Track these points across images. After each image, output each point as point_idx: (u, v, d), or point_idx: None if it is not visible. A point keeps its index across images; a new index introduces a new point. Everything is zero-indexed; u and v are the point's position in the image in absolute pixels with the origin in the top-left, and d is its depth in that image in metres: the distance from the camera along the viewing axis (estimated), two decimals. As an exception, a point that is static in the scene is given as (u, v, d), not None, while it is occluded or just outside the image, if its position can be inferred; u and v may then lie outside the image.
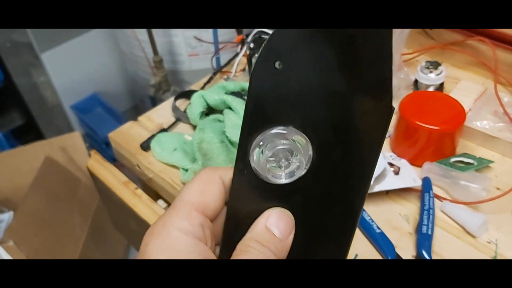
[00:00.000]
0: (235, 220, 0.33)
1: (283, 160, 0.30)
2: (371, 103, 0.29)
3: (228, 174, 0.34)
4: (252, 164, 0.31)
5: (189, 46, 1.60)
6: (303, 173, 0.31)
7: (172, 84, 1.64)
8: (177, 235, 0.30)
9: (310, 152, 0.30)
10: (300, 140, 0.30)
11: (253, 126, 0.30)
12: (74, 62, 1.89)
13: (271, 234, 0.31)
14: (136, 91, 2.00)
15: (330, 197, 0.32)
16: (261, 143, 0.30)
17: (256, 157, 0.30)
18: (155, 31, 1.48)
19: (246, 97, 0.31)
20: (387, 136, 0.74)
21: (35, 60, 1.77)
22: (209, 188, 0.33)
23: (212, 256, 0.31)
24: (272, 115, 0.30)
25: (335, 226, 0.34)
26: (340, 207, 0.33)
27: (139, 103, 2.04)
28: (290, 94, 0.29)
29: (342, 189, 0.32)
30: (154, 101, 1.61)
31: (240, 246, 0.31)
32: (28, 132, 1.84)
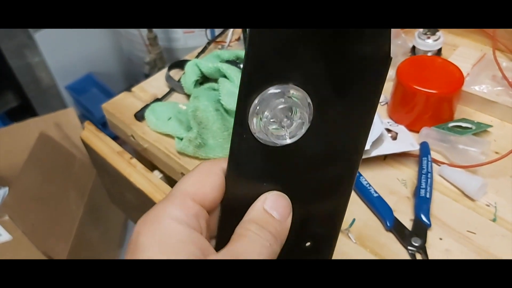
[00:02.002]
0: (234, 197, 0.32)
1: (284, 119, 0.29)
2: (370, 51, 0.28)
3: None
4: (252, 130, 0.28)
5: (184, 22, 1.58)
6: (307, 129, 0.29)
7: (167, 62, 1.62)
8: (170, 224, 0.28)
9: (311, 106, 0.29)
10: (298, 95, 0.28)
11: (252, 85, 0.28)
12: (68, 41, 1.87)
13: (270, 215, 0.31)
14: (131, 70, 1.98)
15: (330, 154, 0.31)
16: (258, 107, 0.28)
17: (256, 122, 0.28)
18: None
19: (243, 62, 0.29)
20: (383, 102, 0.74)
21: (28, 41, 1.75)
22: (208, 178, 0.31)
23: (207, 245, 0.29)
24: (272, 73, 0.27)
25: (334, 185, 0.33)
26: (339, 165, 0.32)
27: (135, 83, 2.01)
28: (291, 48, 0.27)
29: (341, 145, 0.31)
30: (150, 80, 1.60)
31: (239, 229, 0.30)
32: (23, 113, 1.81)
